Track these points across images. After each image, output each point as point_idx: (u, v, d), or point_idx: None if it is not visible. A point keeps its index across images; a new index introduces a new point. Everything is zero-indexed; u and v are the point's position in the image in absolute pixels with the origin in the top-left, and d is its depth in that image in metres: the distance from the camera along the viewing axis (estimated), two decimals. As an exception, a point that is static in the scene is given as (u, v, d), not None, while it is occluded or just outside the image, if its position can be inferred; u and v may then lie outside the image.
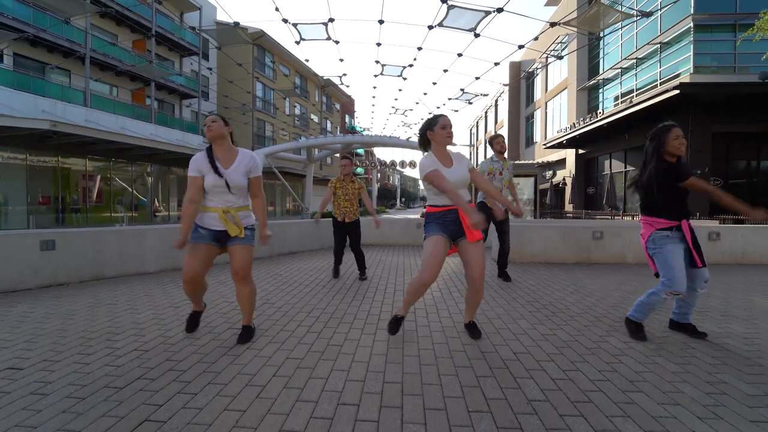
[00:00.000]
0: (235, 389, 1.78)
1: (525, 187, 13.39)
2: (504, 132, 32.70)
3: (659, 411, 1.63)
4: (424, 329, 2.65)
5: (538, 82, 27.11)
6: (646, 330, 2.54)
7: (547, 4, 26.46)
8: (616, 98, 18.61)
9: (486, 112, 39.33)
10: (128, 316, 2.89)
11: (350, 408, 1.63)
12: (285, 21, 10.13)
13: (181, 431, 1.45)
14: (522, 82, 29.93)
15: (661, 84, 15.34)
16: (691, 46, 14.57)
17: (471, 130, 47.27)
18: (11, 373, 1.92)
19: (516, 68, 29.85)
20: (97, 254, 4.20)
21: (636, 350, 2.31)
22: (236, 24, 11.27)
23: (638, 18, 13.72)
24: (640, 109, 13.28)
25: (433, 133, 2.33)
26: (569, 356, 2.21)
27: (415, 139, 23.22)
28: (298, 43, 11.14)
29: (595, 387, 1.84)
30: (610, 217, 14.78)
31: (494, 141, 4.29)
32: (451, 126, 2.33)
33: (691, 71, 14.20)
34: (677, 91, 11.66)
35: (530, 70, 26.99)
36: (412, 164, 30.74)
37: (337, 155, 35.27)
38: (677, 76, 14.68)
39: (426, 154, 2.38)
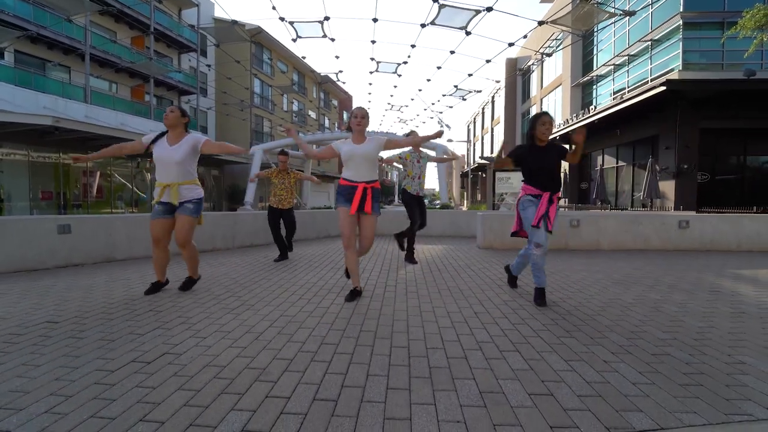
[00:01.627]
0: (231, 327, 2.15)
1: (516, 182, 13.73)
2: (500, 128, 33.02)
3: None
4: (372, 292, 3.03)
5: (534, 78, 27.42)
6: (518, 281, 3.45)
7: (542, 1, 26.70)
8: (611, 95, 18.96)
9: (483, 109, 39.63)
10: (142, 288, 3.25)
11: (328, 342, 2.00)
12: (282, 19, 10.43)
13: (194, 360, 1.82)
14: (518, 79, 30.22)
15: (651, 81, 15.68)
16: (680, 43, 14.91)
17: (468, 126, 47.59)
18: (49, 325, 2.29)
19: (512, 64, 30.11)
20: (109, 238, 4.56)
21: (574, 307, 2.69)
22: (234, 22, 11.57)
23: (621, 17, 14.00)
24: (630, 106, 13.61)
25: (350, 121, 2.99)
26: (512, 319, 2.59)
27: (411, 135, 23.41)
28: (294, 40, 11.45)
29: (536, 334, 2.22)
30: (600, 210, 15.15)
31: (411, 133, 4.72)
32: (361, 116, 2.93)
33: (680, 68, 14.55)
34: (663, 88, 11.99)
35: (525, 66, 27.29)
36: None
37: (335, 151, 35.38)
38: (668, 72, 15.03)
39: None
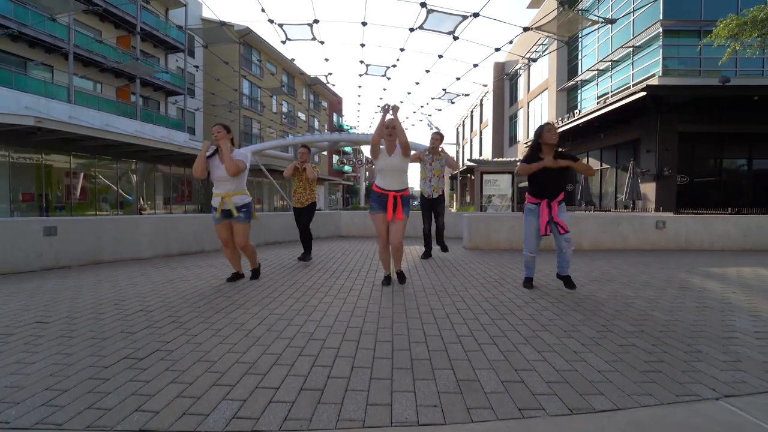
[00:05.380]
0: (220, 326, 2.22)
1: (503, 184, 14.00)
2: (488, 131, 33.47)
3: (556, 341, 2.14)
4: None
5: (521, 82, 27.91)
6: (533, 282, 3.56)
7: (529, 6, 27.24)
8: (595, 99, 19.44)
9: (472, 112, 40.10)
10: (130, 288, 3.29)
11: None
12: (271, 21, 10.47)
13: (186, 356, 1.89)
14: (506, 83, 30.70)
15: (633, 86, 16.16)
16: (660, 50, 15.40)
17: (458, 128, 48.07)
18: (40, 326, 2.33)
19: (500, 69, 30.58)
20: (96, 240, 4.55)
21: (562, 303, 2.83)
22: (222, 23, 11.55)
23: (603, 24, 14.40)
24: (612, 110, 14.01)
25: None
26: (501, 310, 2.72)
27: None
28: (284, 42, 11.49)
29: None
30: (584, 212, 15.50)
31: (431, 138, 5.10)
32: (392, 126, 3.29)
33: (660, 74, 15.03)
34: (644, 93, 12.39)
35: (512, 71, 27.75)
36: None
37: (325, 153, 35.40)
38: (649, 78, 15.49)
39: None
